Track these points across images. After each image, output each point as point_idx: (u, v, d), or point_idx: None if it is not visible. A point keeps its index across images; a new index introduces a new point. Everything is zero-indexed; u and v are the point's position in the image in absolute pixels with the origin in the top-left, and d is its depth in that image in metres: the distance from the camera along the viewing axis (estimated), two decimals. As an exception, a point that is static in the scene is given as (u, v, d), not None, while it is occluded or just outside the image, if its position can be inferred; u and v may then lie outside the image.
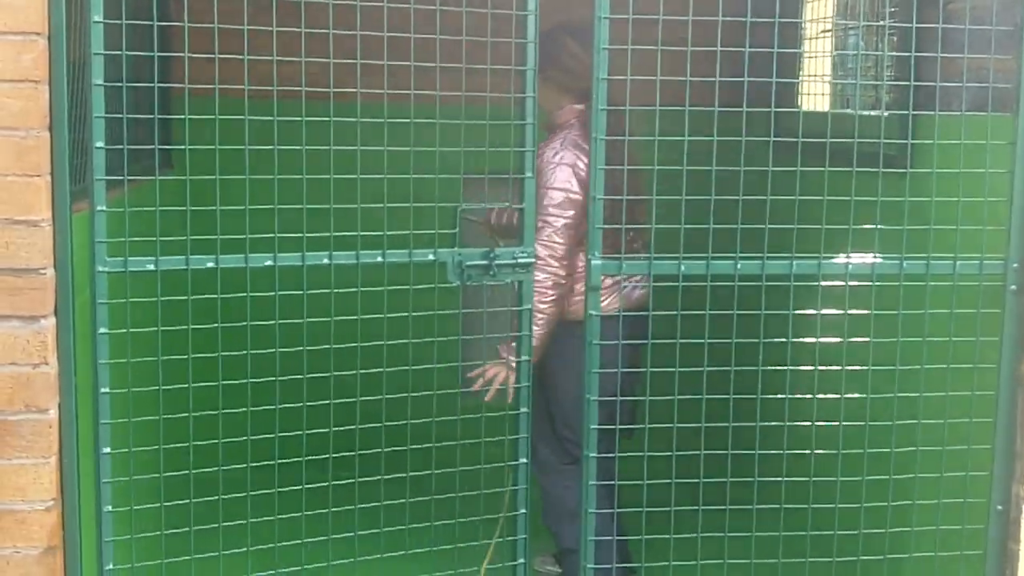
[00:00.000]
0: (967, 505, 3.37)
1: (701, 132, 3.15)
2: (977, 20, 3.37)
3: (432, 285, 3.24)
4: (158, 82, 3.05)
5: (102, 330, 2.95)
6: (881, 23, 4.42)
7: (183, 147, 3.04)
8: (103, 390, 2.96)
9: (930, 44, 3.43)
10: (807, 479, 3.43)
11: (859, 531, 3.38)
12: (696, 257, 3.24)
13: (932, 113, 3.54)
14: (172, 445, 3.08)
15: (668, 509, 3.33)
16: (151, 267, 2.96)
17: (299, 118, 3.02)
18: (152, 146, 3.09)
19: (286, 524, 3.15)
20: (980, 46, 3.32)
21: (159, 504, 3.08)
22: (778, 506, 3.35)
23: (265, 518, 3.17)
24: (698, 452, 3.29)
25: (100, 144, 2.89)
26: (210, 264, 2.99)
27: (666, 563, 3.46)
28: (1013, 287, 3.31)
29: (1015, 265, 3.30)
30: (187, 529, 3.07)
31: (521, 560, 3.37)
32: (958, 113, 3.44)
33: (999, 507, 3.35)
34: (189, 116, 3.02)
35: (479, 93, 3.28)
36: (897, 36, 4.22)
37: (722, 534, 3.30)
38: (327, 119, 3.04)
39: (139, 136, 3.41)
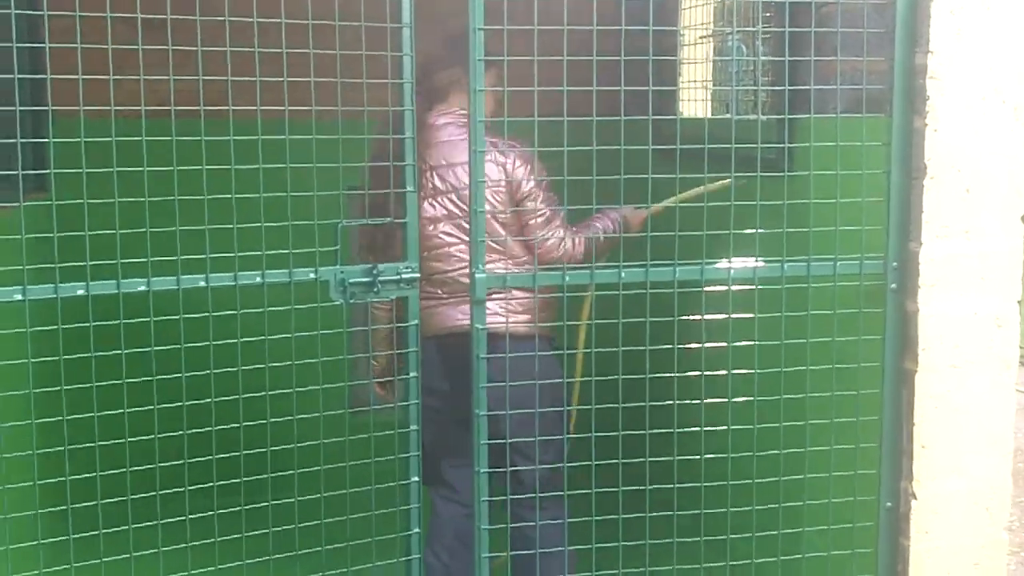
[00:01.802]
0: (857, 503, 3.40)
1: (581, 142, 3.13)
2: (849, 23, 3.40)
3: (315, 305, 3.17)
4: (32, 104, 2.95)
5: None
6: (756, 28, 4.46)
7: (48, 171, 2.94)
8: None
9: (804, 48, 3.46)
10: (698, 484, 3.44)
11: (752, 534, 3.39)
12: (581, 268, 3.23)
13: (808, 116, 3.57)
14: (48, 480, 2.97)
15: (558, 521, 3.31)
16: (19, 296, 2.86)
17: (169, 137, 2.93)
18: (17, 171, 2.97)
19: (170, 538, 3.06)
20: (853, 49, 3.36)
21: (35, 512, 2.96)
22: (671, 513, 3.35)
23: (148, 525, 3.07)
24: (589, 463, 3.27)
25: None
26: (80, 291, 2.89)
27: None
28: (893, 285, 3.35)
29: (894, 264, 3.34)
30: (65, 537, 2.95)
31: (415, 581, 3.33)
32: (833, 115, 3.48)
33: (888, 504, 3.39)
34: (54, 139, 2.93)
35: (356, 108, 3.23)
36: (772, 40, 4.26)
37: (616, 544, 3.29)
38: (199, 138, 2.95)
39: (13, 160, 3.28)
